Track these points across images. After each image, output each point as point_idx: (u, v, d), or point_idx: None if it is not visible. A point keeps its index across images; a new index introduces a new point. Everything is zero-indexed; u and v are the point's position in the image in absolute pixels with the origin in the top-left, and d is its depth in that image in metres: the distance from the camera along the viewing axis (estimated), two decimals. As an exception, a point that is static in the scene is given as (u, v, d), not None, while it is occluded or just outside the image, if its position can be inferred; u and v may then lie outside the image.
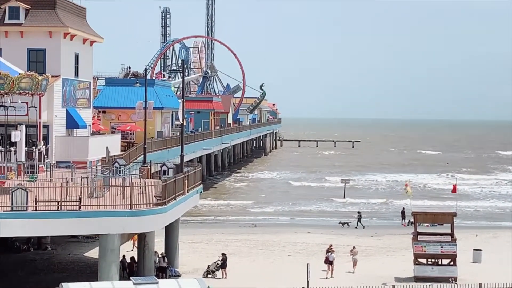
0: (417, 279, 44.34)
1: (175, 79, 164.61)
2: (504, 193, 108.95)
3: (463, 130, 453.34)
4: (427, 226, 47.28)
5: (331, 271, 46.68)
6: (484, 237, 63.27)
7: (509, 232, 68.91)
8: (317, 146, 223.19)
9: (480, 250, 52.79)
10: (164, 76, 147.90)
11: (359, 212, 75.35)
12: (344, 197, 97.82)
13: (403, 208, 74.70)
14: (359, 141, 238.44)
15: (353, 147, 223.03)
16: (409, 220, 67.00)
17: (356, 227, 71.28)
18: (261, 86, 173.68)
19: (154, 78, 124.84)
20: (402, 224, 72.71)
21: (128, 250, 48.43)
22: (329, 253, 47.41)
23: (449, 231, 46.66)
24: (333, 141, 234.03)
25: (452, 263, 45.49)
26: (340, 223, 73.40)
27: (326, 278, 45.68)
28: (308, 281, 28.61)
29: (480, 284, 35.43)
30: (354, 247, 50.49)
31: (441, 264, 45.58)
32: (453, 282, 43.46)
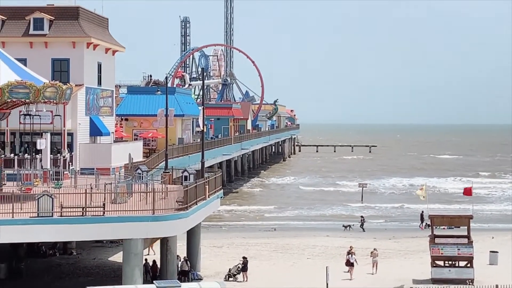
0: (434, 281, 44.17)
1: (195, 88, 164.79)
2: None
3: (477, 134, 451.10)
4: (444, 228, 47.08)
5: (351, 273, 46.69)
6: (500, 239, 62.94)
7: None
8: (334, 151, 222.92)
9: (497, 252, 52.54)
10: (184, 76, 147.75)
11: (362, 217, 75.59)
12: (362, 201, 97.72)
13: (422, 211, 74.36)
14: (376, 146, 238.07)
15: (370, 152, 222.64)
16: (426, 223, 66.75)
17: (362, 231, 71.16)
18: (274, 102, 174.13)
19: (174, 86, 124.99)
20: (419, 227, 72.47)
21: (145, 255, 48.57)
22: (350, 255, 47.42)
23: (465, 233, 46.46)
24: (350, 146, 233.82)
25: (469, 265, 45.28)
26: (343, 226, 73.57)
27: (350, 279, 45.66)
28: (327, 284, 28.56)
29: (496, 286, 35.27)
30: (374, 249, 50.46)
31: (458, 266, 45.39)
32: (470, 284, 43.26)
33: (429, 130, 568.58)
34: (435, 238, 46.20)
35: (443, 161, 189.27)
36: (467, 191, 59.28)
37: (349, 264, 47.10)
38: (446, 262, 45.61)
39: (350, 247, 50.24)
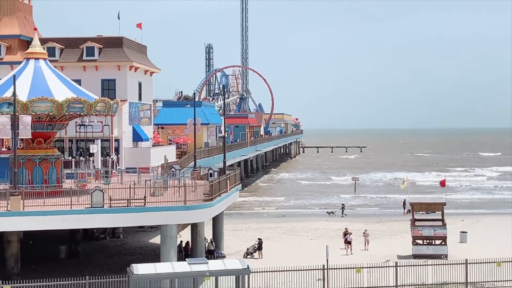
0: (415, 256, 44.08)
1: (217, 101, 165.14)
2: (484, 187, 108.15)
3: (456, 137, 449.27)
4: (422, 213, 46.95)
5: (350, 249, 46.95)
6: (468, 222, 62.74)
7: (489, 217, 68.44)
8: (332, 152, 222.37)
9: (466, 232, 52.42)
10: (208, 100, 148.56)
11: (342, 204, 75.29)
12: (354, 191, 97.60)
13: (404, 200, 74.30)
14: (366, 147, 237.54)
15: (361, 151, 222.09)
16: (408, 209, 66.60)
17: (342, 216, 70.78)
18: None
19: (201, 100, 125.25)
20: (403, 213, 72.30)
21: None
22: (348, 235, 47.64)
23: (440, 217, 46.34)
24: (344, 147, 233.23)
25: (443, 243, 45.20)
26: (327, 212, 73.29)
27: (347, 255, 45.85)
28: (327, 260, 28.66)
29: (466, 260, 35.17)
30: (366, 230, 50.77)
31: (435, 244, 45.30)
32: (445, 258, 43.15)
33: (414, 133, 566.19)
34: (415, 222, 46.11)
35: (422, 159, 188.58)
36: (442, 183, 59.23)
37: (347, 242, 47.34)
38: (425, 241, 45.53)
39: (346, 228, 50.32)
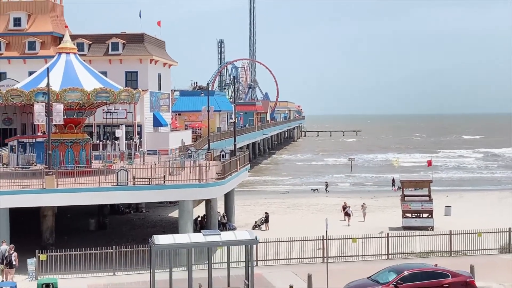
0: (405, 228, 44.08)
1: (228, 91, 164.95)
2: (466, 166, 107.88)
3: (441, 121, 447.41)
4: (411, 190, 46.92)
5: (349, 221, 47.26)
6: (452, 198, 62.67)
7: (471, 193, 68.37)
8: (330, 135, 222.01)
9: (450, 206, 52.41)
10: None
11: (326, 182, 75.14)
12: (351, 170, 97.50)
13: (393, 178, 74.39)
14: (361, 131, 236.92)
15: (356, 135, 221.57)
16: (398, 186, 66.54)
17: (326, 192, 70.61)
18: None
19: (214, 90, 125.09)
20: (392, 189, 72.26)
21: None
22: (348, 208, 47.97)
23: (427, 193, 46.31)
24: (342, 131, 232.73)
25: (429, 216, 45.17)
26: (312, 189, 73.09)
27: (348, 225, 46.25)
28: (326, 231, 28.70)
29: (450, 231, 35.17)
30: (364, 203, 51.21)
31: (422, 217, 45.29)
32: (431, 230, 43.14)
33: (405, 118, 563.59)
34: (405, 197, 46.10)
35: (411, 141, 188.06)
36: (429, 163, 59.19)
37: (347, 214, 47.68)
38: (413, 214, 45.53)
39: (344, 203, 50.57)
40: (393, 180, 73.76)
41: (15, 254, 29.21)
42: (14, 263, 29.05)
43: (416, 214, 45.43)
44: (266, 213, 47.43)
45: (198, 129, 79.52)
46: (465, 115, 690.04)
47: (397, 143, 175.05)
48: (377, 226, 45.37)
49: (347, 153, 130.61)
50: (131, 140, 52.12)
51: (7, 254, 29.09)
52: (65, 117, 37.61)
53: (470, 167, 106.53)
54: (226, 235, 26.80)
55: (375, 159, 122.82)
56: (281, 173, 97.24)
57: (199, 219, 44.37)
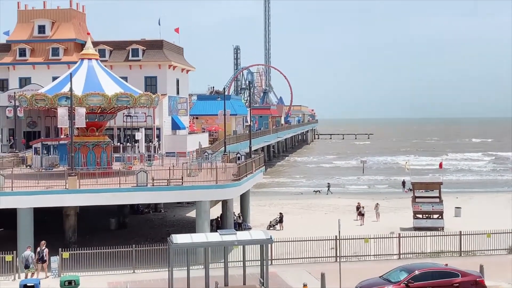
0: (415, 228, 43.83)
1: (244, 95, 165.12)
2: (476, 169, 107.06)
3: (455, 125, 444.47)
4: (422, 191, 46.67)
5: (363, 221, 47.41)
6: (462, 199, 62.20)
7: (480, 195, 67.78)
8: (343, 138, 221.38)
9: (460, 208, 52.03)
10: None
11: (328, 183, 74.71)
12: (363, 172, 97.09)
13: (404, 180, 74.03)
14: (373, 134, 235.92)
15: (368, 138, 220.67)
16: (409, 188, 66.17)
17: (327, 194, 70.37)
18: None
19: (230, 94, 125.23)
20: (403, 191, 71.86)
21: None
22: (361, 208, 47.99)
23: (437, 195, 46.03)
24: (354, 134, 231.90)
25: (440, 217, 44.88)
26: (314, 191, 72.71)
27: (361, 225, 46.48)
28: (339, 231, 28.60)
29: (460, 232, 34.89)
30: (377, 204, 51.26)
31: (432, 218, 44.99)
32: (441, 230, 42.85)
33: (416, 122, 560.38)
34: (416, 198, 45.85)
35: (422, 144, 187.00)
36: (440, 165, 58.91)
37: (361, 214, 47.75)
38: (424, 215, 45.25)
39: (358, 203, 50.60)
40: (404, 182, 73.38)
41: (46, 250, 29.58)
42: (45, 258, 29.42)
43: (426, 215, 45.15)
44: (280, 213, 47.36)
45: (215, 132, 79.63)
46: (476, 119, 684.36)
47: (408, 146, 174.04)
48: (388, 226, 45.14)
49: (359, 156, 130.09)
50: (150, 143, 52.32)
51: (39, 250, 29.50)
52: (87, 120, 37.82)
53: (480, 169, 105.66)
54: (242, 235, 26.76)
55: (387, 161, 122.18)
56: (295, 175, 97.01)
57: (216, 219, 44.39)
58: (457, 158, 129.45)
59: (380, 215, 49.43)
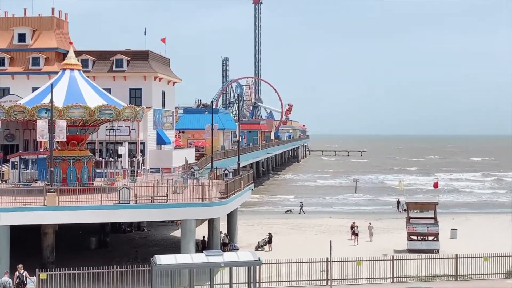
0: (410, 251, 43.87)
1: (233, 109, 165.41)
2: (473, 189, 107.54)
3: (449, 143, 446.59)
4: (417, 212, 46.82)
5: (357, 240, 47.99)
6: (458, 220, 62.42)
7: (477, 216, 68.03)
8: (335, 155, 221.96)
9: (456, 229, 52.18)
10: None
11: (301, 202, 74.92)
12: (355, 191, 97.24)
13: (398, 199, 74.28)
14: (366, 151, 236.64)
15: (361, 155, 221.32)
16: (403, 208, 66.35)
17: (299, 213, 70.59)
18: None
19: (218, 108, 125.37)
20: (398, 211, 72.03)
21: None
22: (356, 227, 48.37)
23: (433, 216, 46.16)
24: (347, 151, 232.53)
25: (435, 239, 44.96)
26: (286, 211, 72.80)
27: (354, 245, 46.92)
28: (330, 253, 28.59)
29: (456, 255, 34.98)
30: (370, 223, 51.74)
31: (428, 240, 45.07)
32: (436, 253, 42.94)
33: (410, 139, 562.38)
34: (410, 219, 45.95)
35: (416, 162, 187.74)
36: (435, 185, 59.18)
37: (355, 234, 48.08)
38: (419, 236, 45.33)
39: (353, 223, 50.87)
40: (398, 202, 73.62)
41: (25, 273, 29.38)
42: (25, 282, 29.18)
43: (421, 237, 45.23)
44: (269, 233, 47.30)
45: (202, 147, 79.59)
46: (474, 137, 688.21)
47: (403, 164, 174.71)
48: (382, 248, 45.17)
49: (351, 174, 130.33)
50: (134, 158, 52.16)
51: (18, 274, 29.24)
52: (68, 133, 37.72)
53: (477, 189, 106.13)
54: (229, 256, 26.74)
55: (380, 180, 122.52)
56: (285, 193, 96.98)
57: (202, 239, 44.25)
58: (454, 177, 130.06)
59: (373, 235, 49.72)
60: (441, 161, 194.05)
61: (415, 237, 45.26)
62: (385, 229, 56.51)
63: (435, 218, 45.82)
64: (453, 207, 79.02)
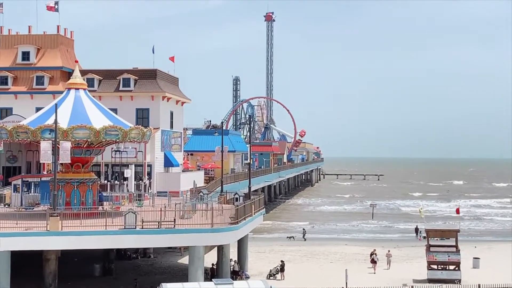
0: (430, 281, 43.49)
1: (244, 130, 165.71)
2: (496, 215, 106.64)
3: (468, 166, 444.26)
4: (437, 239, 46.43)
5: (375, 269, 47.67)
6: (481, 248, 61.85)
7: (501, 244, 67.36)
8: (351, 178, 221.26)
9: (479, 258, 51.65)
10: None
11: (304, 229, 74.45)
12: (372, 217, 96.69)
13: (417, 226, 73.90)
14: (383, 175, 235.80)
15: (378, 179, 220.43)
16: (423, 235, 65.84)
17: (304, 240, 70.13)
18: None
19: (229, 129, 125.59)
20: (417, 238, 71.48)
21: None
22: (374, 255, 48.16)
23: (454, 243, 45.75)
24: (363, 174, 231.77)
25: (457, 268, 44.54)
26: (287, 237, 72.40)
27: (374, 273, 46.77)
28: (346, 283, 28.31)
29: (479, 285, 34.60)
30: (388, 251, 51.34)
31: (448, 269, 44.65)
32: (458, 283, 42.50)
33: (426, 163, 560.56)
34: (430, 247, 45.56)
35: (436, 187, 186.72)
36: (457, 211, 58.86)
37: (373, 261, 47.87)
38: (439, 266, 44.93)
39: (374, 249, 50.74)
40: (417, 229, 73.11)
41: None
42: None
43: (442, 266, 44.82)
44: (281, 261, 47.05)
45: (211, 170, 79.60)
46: (497, 160, 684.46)
47: (421, 189, 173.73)
48: (400, 278, 44.79)
49: (368, 199, 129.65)
50: (141, 181, 52.28)
51: None
52: (72, 155, 37.91)
53: (500, 216, 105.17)
54: (239, 285, 26.60)
55: (398, 205, 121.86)
56: (299, 219, 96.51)
57: (211, 266, 44.09)
58: (476, 203, 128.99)
59: (391, 263, 49.45)
60: (463, 186, 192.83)
61: (435, 266, 44.85)
62: (403, 257, 56.07)
63: (456, 246, 45.40)
64: (475, 235, 78.33)
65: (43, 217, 33.62)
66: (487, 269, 49.08)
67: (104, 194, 45.00)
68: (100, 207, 38.78)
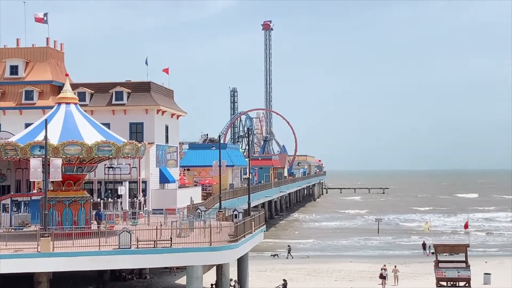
0: (439, 298, 43.42)
1: (242, 144, 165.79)
2: (508, 230, 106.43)
3: (474, 178, 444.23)
4: (446, 255, 46.47)
5: (384, 285, 47.93)
6: (492, 264, 61.72)
7: (513, 259, 67.21)
8: (355, 192, 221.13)
9: (490, 274, 51.55)
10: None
11: (288, 246, 74.24)
12: (378, 232, 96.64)
13: (424, 242, 73.88)
14: (388, 188, 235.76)
15: (383, 193, 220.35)
16: (431, 251, 65.77)
17: (287, 258, 69.89)
18: None
19: (226, 142, 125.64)
20: (425, 254, 71.40)
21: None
22: (383, 271, 48.19)
23: (463, 259, 45.71)
24: (367, 188, 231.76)
25: (467, 285, 44.47)
26: (271, 255, 72.14)
27: None
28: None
29: (491, 302, 34.52)
30: (395, 266, 51.46)
31: (458, 286, 44.59)
32: (469, 300, 42.42)
33: (433, 174, 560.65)
34: (439, 263, 45.54)
35: (442, 200, 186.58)
36: (466, 225, 58.70)
37: (382, 277, 48.15)
38: (448, 282, 44.86)
39: (384, 265, 50.86)
40: (424, 244, 73.04)
41: None
42: None
43: (452, 283, 44.76)
44: (284, 280, 46.94)
45: (209, 186, 79.54)
46: (504, 171, 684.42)
47: (429, 203, 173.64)
48: (408, 295, 44.73)
49: (373, 213, 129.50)
50: (135, 198, 52.17)
51: None
52: (63, 173, 37.81)
53: (509, 231, 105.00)
54: (240, 306, 26.50)
55: (405, 220, 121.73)
56: (301, 236, 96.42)
57: (210, 287, 43.95)
58: (486, 217, 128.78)
59: (399, 279, 49.42)
60: (472, 199, 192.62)
61: (444, 283, 44.78)
62: (411, 274, 55.95)
63: (466, 262, 45.36)
64: (486, 250, 78.20)
65: (33, 238, 33.49)
66: (498, 285, 48.96)
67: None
68: (102, 226, 38.68)
